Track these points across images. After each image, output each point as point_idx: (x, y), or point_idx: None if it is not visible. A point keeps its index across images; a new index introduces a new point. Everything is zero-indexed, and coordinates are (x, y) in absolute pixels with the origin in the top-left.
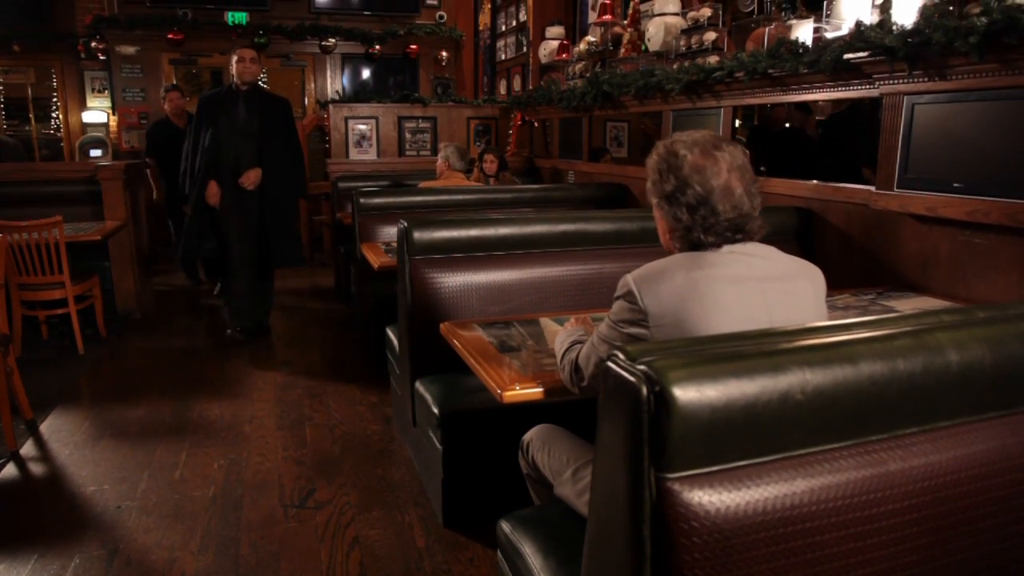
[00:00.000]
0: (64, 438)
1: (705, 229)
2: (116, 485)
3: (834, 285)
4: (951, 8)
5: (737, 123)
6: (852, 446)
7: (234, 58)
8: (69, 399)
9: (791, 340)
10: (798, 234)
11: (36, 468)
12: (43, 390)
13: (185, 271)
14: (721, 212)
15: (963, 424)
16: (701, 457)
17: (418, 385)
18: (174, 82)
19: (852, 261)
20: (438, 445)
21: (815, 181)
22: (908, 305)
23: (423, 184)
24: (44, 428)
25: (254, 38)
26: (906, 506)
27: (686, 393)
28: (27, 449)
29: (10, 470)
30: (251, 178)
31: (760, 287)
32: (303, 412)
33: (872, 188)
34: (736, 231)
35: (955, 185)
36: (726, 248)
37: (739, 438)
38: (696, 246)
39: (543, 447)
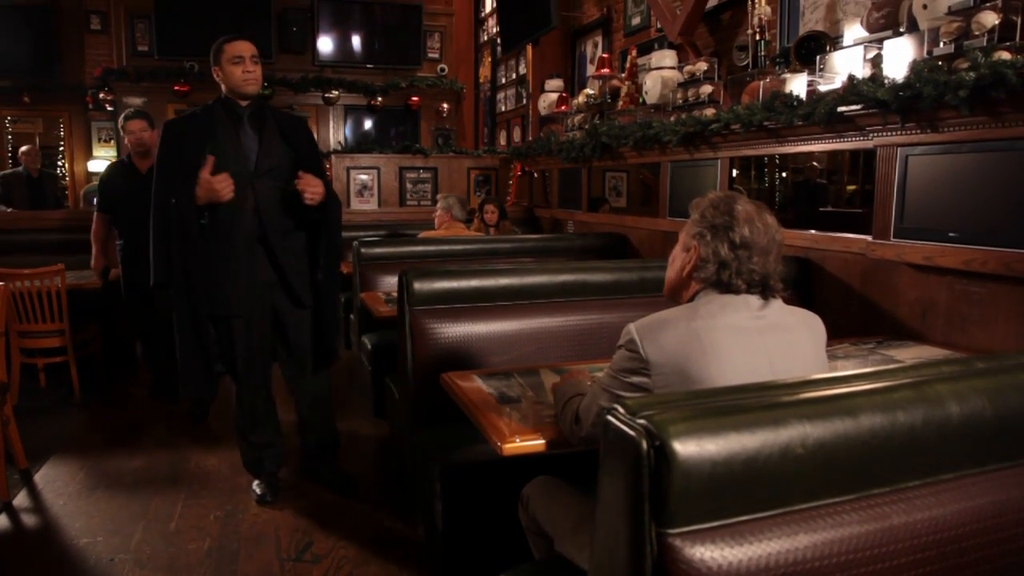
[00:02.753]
0: (59, 488)
1: (739, 271)
2: (110, 537)
3: (833, 334)
4: (940, 63)
5: (734, 173)
6: (855, 500)
7: (223, 57)
8: (65, 448)
9: (791, 393)
10: (796, 283)
11: (29, 519)
12: (39, 439)
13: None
14: (755, 263)
15: (966, 477)
16: (702, 512)
17: (418, 436)
18: (139, 107)
19: (851, 310)
20: (437, 497)
21: (812, 231)
22: (908, 354)
23: (423, 234)
24: (39, 478)
25: None
26: (911, 561)
27: (686, 447)
28: (20, 500)
29: (2, 521)
30: (312, 183)
31: (761, 337)
32: (300, 463)
33: (869, 238)
34: (758, 286)
35: (951, 234)
36: (742, 297)
37: (740, 493)
38: (721, 286)
39: (543, 501)
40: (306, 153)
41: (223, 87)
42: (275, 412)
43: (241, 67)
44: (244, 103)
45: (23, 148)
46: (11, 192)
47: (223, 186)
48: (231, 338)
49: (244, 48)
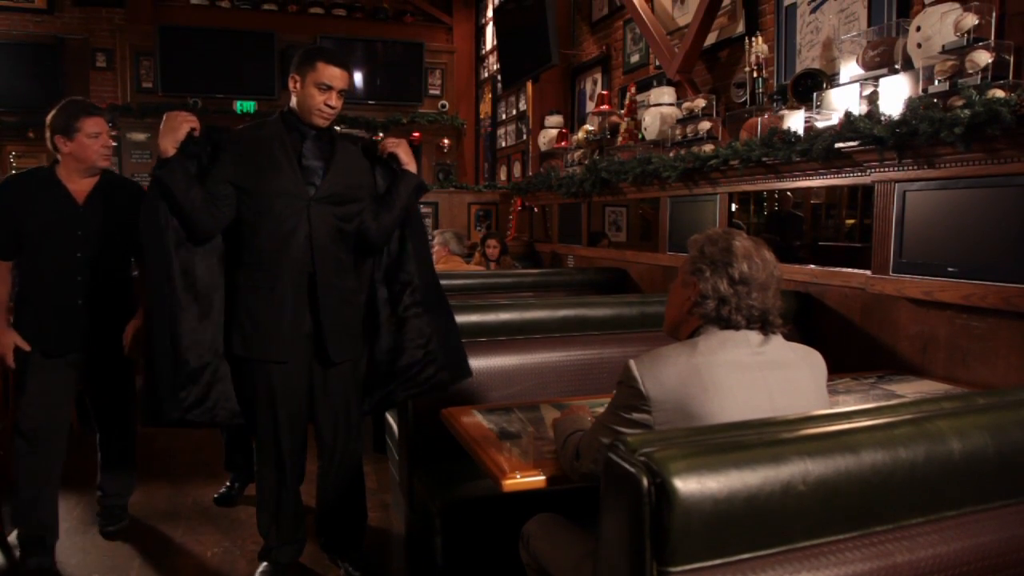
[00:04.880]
0: None
1: (738, 307)
2: (106, 574)
3: (834, 368)
4: (935, 100)
5: (733, 208)
6: (857, 538)
7: (309, 74)
8: (62, 483)
9: (792, 429)
10: (797, 318)
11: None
12: None
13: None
14: (755, 298)
15: (970, 514)
16: (704, 550)
17: (417, 472)
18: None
19: (852, 344)
20: (437, 534)
21: (812, 265)
22: (909, 389)
23: None
24: None
25: None
26: None
27: (687, 484)
28: (16, 536)
29: None
30: (395, 142)
31: (761, 374)
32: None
33: (868, 272)
34: (758, 321)
35: (950, 269)
36: (742, 332)
37: (742, 530)
38: (721, 321)
39: (544, 538)
40: (369, 186)
41: (293, 99)
42: (299, 501)
43: (324, 96)
44: (308, 127)
45: None
46: None
47: (184, 118)
48: (264, 386)
49: (338, 77)
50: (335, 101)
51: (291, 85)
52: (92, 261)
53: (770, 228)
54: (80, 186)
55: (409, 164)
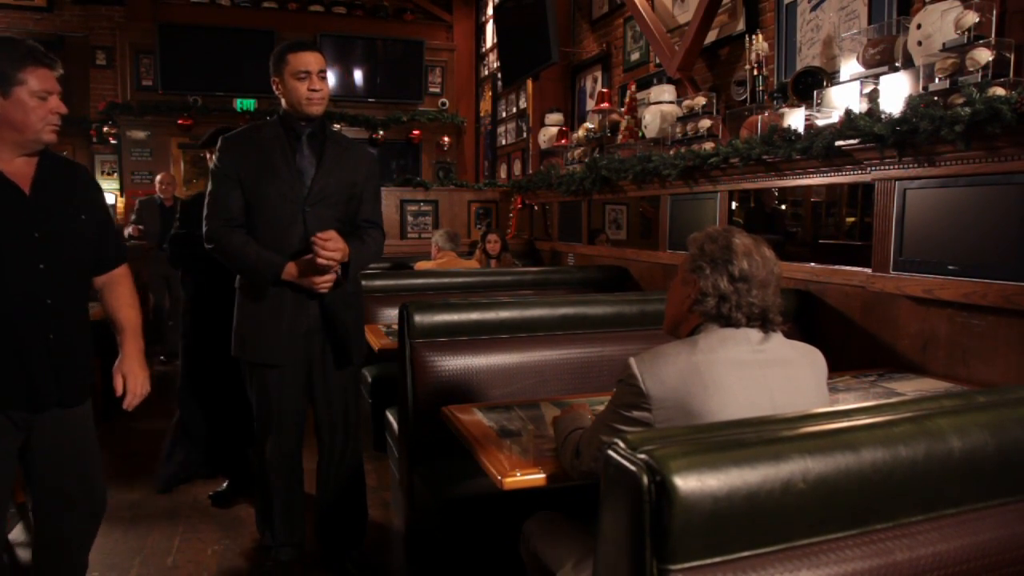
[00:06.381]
0: None
1: (738, 305)
2: (106, 572)
3: (835, 367)
4: (936, 98)
5: (734, 205)
6: (857, 535)
7: (285, 69)
8: None
9: (792, 427)
10: (798, 316)
11: (24, 554)
12: None
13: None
14: (755, 296)
15: (969, 512)
16: (704, 548)
17: (417, 469)
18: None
19: (852, 342)
20: (438, 532)
21: (812, 264)
22: (909, 387)
23: (418, 265)
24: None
25: None
26: None
27: (687, 483)
28: (16, 534)
29: None
30: (329, 241)
31: (762, 372)
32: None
33: (869, 270)
34: (758, 319)
35: (950, 267)
36: (743, 330)
37: (742, 528)
38: (721, 319)
39: (544, 536)
40: (362, 182)
41: (283, 101)
42: (301, 497)
43: (306, 83)
44: (304, 123)
45: (157, 176)
46: (144, 219)
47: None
48: (263, 388)
49: (311, 61)
50: (318, 84)
51: (275, 89)
52: (60, 276)
53: (752, 225)
54: (17, 167)
55: (326, 262)
